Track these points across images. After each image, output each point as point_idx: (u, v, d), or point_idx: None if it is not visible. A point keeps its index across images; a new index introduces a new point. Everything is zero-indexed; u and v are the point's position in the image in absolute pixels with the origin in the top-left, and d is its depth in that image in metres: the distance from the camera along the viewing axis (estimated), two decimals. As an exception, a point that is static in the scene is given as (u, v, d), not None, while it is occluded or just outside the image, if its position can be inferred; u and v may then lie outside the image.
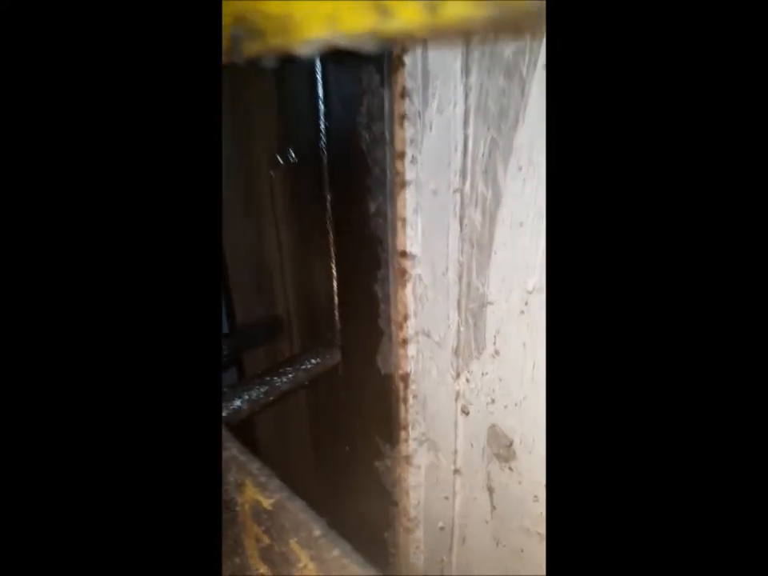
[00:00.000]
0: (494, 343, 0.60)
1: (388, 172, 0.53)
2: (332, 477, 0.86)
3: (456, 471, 0.73)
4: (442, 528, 0.80)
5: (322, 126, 0.55)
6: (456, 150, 0.54)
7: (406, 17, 0.25)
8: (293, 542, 0.44)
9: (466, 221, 0.57)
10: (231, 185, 0.71)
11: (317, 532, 0.42)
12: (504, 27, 0.48)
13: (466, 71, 0.50)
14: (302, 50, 0.39)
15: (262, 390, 0.67)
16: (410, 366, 0.71)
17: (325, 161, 0.56)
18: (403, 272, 0.65)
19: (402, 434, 0.75)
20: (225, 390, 0.65)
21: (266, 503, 0.46)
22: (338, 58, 0.49)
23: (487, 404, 0.64)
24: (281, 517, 0.45)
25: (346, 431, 0.78)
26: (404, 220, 0.61)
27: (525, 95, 0.46)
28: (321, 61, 0.53)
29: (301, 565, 0.44)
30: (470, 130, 0.52)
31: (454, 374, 0.67)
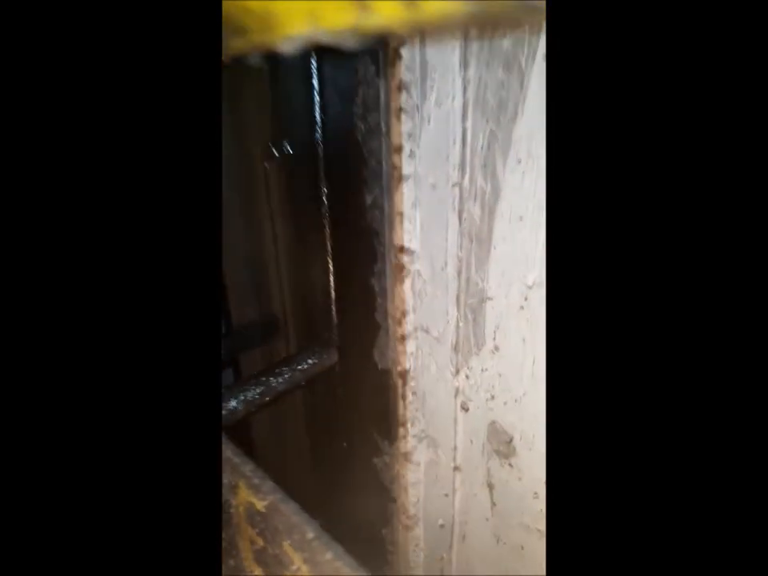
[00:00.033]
0: (494, 339, 0.59)
1: (384, 164, 0.52)
2: (329, 474, 0.86)
3: (456, 468, 0.73)
4: (441, 525, 0.79)
5: (318, 118, 0.54)
6: (455, 143, 0.54)
7: (386, 13, 0.25)
8: (286, 545, 0.45)
9: (465, 215, 0.56)
10: (225, 179, 0.71)
11: (310, 534, 0.42)
12: (483, 23, 0.48)
13: (465, 64, 0.50)
14: (285, 46, 0.39)
15: (258, 390, 0.67)
16: (408, 363, 0.71)
17: (320, 153, 0.55)
18: (402, 267, 0.64)
19: (401, 430, 0.74)
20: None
21: (260, 505, 0.46)
22: (333, 49, 0.48)
23: (487, 400, 0.63)
24: (274, 519, 0.45)
25: (344, 427, 0.78)
26: (402, 215, 0.61)
27: (524, 87, 0.46)
28: (316, 53, 0.52)
29: (294, 567, 0.44)
30: (469, 123, 0.52)
31: (453, 370, 0.66)
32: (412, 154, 0.58)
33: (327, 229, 0.60)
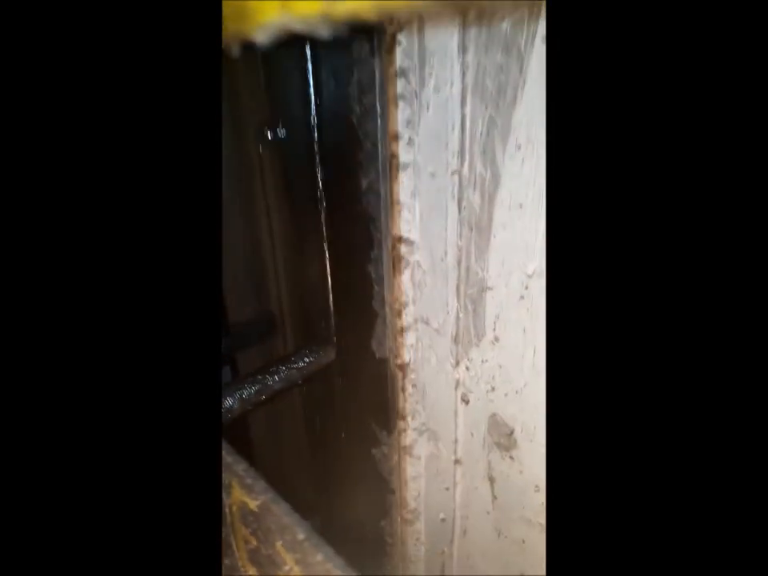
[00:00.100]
0: (494, 329, 0.59)
1: (380, 146, 0.52)
2: (328, 466, 0.85)
3: (456, 461, 0.72)
4: (442, 519, 0.79)
5: (312, 102, 0.53)
6: (453, 130, 0.53)
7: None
8: (279, 545, 0.45)
9: (464, 203, 0.55)
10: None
11: (301, 535, 0.42)
12: (451, 8, 0.47)
13: (463, 49, 0.49)
14: (259, 36, 0.39)
15: (255, 388, 0.66)
16: (408, 355, 0.70)
17: (315, 136, 0.55)
18: (401, 258, 0.64)
19: (401, 423, 0.74)
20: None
21: (252, 505, 0.46)
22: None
23: (487, 392, 0.63)
24: (267, 519, 0.45)
25: (342, 419, 0.77)
26: (401, 204, 0.60)
27: (523, 71, 0.45)
28: (310, 39, 0.52)
29: (287, 568, 0.45)
30: (468, 109, 0.51)
31: (453, 361, 0.65)
32: (410, 142, 0.57)
33: (323, 215, 0.59)
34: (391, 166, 0.58)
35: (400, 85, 0.55)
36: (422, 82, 0.54)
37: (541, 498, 0.63)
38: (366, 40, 0.48)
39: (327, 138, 0.56)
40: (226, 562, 0.54)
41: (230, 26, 0.43)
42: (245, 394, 0.66)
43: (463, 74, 0.50)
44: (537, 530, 0.64)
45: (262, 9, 0.31)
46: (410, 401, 0.73)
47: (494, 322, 0.58)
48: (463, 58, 0.49)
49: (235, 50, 0.48)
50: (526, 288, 0.53)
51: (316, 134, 0.55)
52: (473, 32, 0.48)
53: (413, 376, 0.71)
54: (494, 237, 0.54)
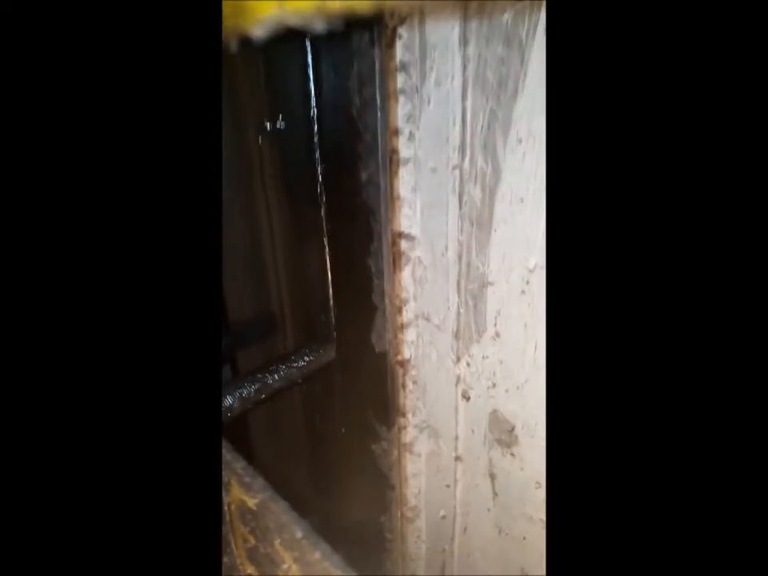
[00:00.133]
0: (495, 325, 0.58)
1: (379, 138, 0.51)
2: (328, 462, 0.85)
3: (457, 458, 0.72)
4: (443, 517, 0.78)
5: (312, 93, 0.53)
6: (454, 124, 0.53)
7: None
8: (277, 543, 0.45)
9: (465, 198, 0.55)
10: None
11: (299, 534, 0.42)
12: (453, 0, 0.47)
13: (464, 41, 0.49)
14: (257, 31, 0.38)
15: (255, 387, 0.66)
16: (409, 351, 0.70)
17: (315, 128, 0.54)
18: (401, 254, 0.63)
19: (402, 420, 0.74)
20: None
21: (251, 503, 0.46)
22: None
23: (488, 388, 0.62)
24: (265, 517, 0.45)
25: (341, 413, 0.77)
26: (402, 199, 0.60)
27: (524, 63, 0.45)
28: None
29: (285, 566, 0.45)
30: (469, 103, 0.51)
31: (454, 358, 0.65)
32: (411, 137, 0.57)
33: (323, 208, 0.59)
34: (392, 161, 0.57)
35: (401, 79, 0.54)
36: (423, 76, 0.53)
37: (542, 494, 0.62)
38: (365, 32, 0.48)
39: (327, 130, 0.56)
40: (224, 560, 0.54)
41: (229, 22, 0.43)
42: (245, 392, 0.66)
43: (464, 67, 0.50)
44: (538, 527, 0.64)
45: (259, 4, 0.31)
46: (410, 397, 0.73)
47: (495, 318, 0.58)
48: (464, 51, 0.49)
49: (233, 46, 0.48)
50: (527, 283, 0.53)
51: (316, 127, 0.55)
52: (474, 24, 0.47)
53: (413, 372, 0.71)
54: (495, 231, 0.54)
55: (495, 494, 0.68)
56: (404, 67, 0.54)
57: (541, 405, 0.58)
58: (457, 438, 0.70)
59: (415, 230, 0.62)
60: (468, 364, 0.64)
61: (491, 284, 0.57)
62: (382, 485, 0.75)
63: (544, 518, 0.64)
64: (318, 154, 0.56)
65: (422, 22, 0.51)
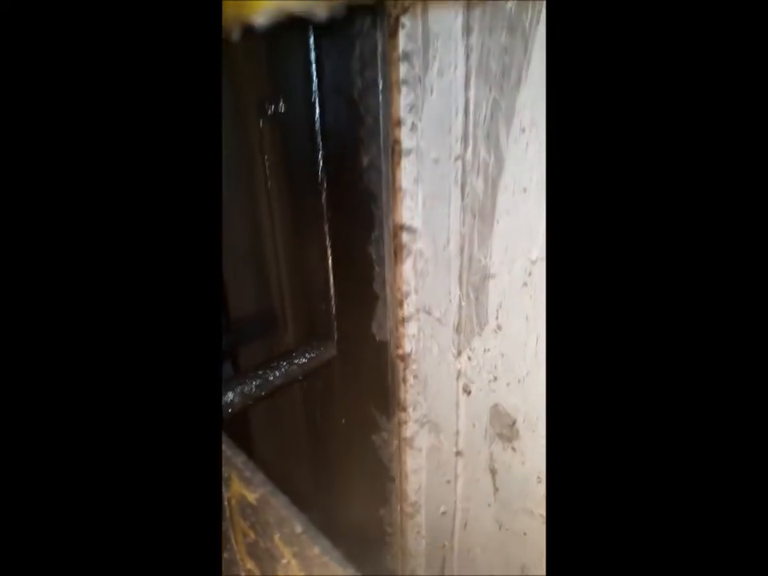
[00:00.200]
0: (497, 318, 0.58)
1: (381, 123, 0.51)
2: (327, 453, 0.84)
3: (458, 453, 0.71)
4: (443, 513, 0.78)
5: (314, 77, 0.53)
6: (457, 114, 0.52)
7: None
8: (277, 538, 0.45)
9: (467, 189, 0.55)
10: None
11: (298, 528, 0.42)
12: None
13: (467, 30, 0.48)
14: (259, 19, 0.38)
15: (256, 383, 0.66)
16: (410, 345, 0.69)
17: (316, 112, 0.54)
18: (403, 247, 0.63)
19: (403, 415, 0.73)
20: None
21: (251, 498, 0.46)
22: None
23: (489, 382, 0.62)
24: (265, 512, 0.45)
25: (341, 404, 0.76)
26: (404, 191, 0.60)
27: (528, 51, 0.44)
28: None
29: (284, 561, 0.45)
30: (472, 93, 0.50)
31: (455, 351, 0.65)
32: (413, 128, 0.56)
33: (324, 193, 0.58)
34: (394, 152, 0.57)
35: (403, 69, 0.54)
36: (426, 66, 0.53)
37: (543, 489, 0.62)
38: (367, 17, 0.48)
39: (328, 113, 0.55)
40: (224, 555, 0.54)
41: (230, 11, 0.42)
42: (246, 388, 0.66)
43: (467, 57, 0.50)
44: (538, 522, 0.64)
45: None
46: (411, 392, 0.72)
47: (497, 310, 0.58)
48: (467, 40, 0.49)
49: (236, 34, 0.48)
50: (529, 275, 0.53)
51: (317, 110, 0.54)
52: (477, 13, 0.47)
53: (414, 367, 0.71)
54: (498, 223, 0.53)
55: (496, 489, 0.68)
56: (407, 57, 0.53)
57: (542, 398, 0.57)
58: (458, 432, 0.70)
59: (417, 222, 0.62)
60: (469, 358, 0.64)
61: (493, 276, 0.56)
62: (382, 477, 0.75)
63: (544, 513, 0.63)
64: (319, 138, 0.55)
65: (424, 11, 0.51)
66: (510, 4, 0.44)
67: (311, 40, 0.52)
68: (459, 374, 0.66)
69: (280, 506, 0.44)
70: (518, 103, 0.47)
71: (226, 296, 0.92)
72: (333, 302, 0.67)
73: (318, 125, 0.55)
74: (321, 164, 0.57)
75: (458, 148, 0.54)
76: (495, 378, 0.61)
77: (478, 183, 0.53)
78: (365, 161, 0.54)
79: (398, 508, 0.78)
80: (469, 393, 0.66)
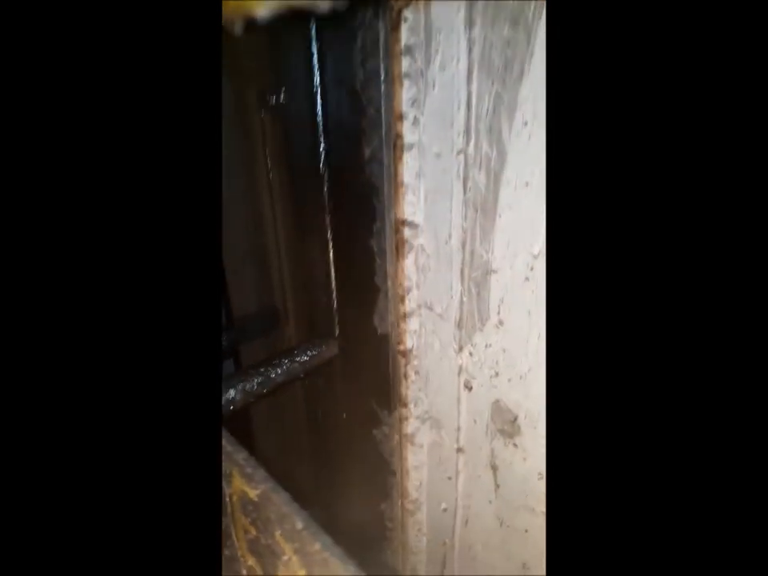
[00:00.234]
0: (498, 313, 0.58)
1: (383, 113, 0.51)
2: (328, 448, 0.84)
3: (459, 450, 0.71)
4: (444, 510, 0.78)
5: (316, 67, 0.53)
6: (459, 108, 0.52)
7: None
8: (278, 535, 0.44)
9: (469, 183, 0.55)
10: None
11: (299, 525, 0.42)
12: None
13: (470, 23, 0.48)
14: (261, 11, 0.38)
15: (257, 380, 0.67)
16: (411, 341, 0.69)
17: (318, 102, 0.54)
18: (405, 242, 0.63)
19: (404, 411, 0.73)
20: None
21: (252, 494, 0.46)
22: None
23: (491, 377, 0.62)
24: (266, 508, 0.45)
25: (343, 397, 0.76)
26: (406, 186, 0.60)
27: (530, 44, 0.44)
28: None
29: (285, 558, 0.44)
30: (474, 86, 0.50)
31: (456, 347, 0.65)
32: (416, 122, 0.56)
33: (325, 185, 0.58)
34: (396, 146, 0.57)
35: (405, 63, 0.54)
36: (428, 60, 0.53)
37: (544, 486, 0.62)
38: (369, 8, 0.48)
39: (330, 104, 0.55)
40: (225, 552, 0.54)
41: (233, 3, 0.42)
42: (247, 386, 0.66)
43: (470, 50, 0.49)
44: (540, 519, 0.63)
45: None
46: (412, 388, 0.72)
47: (499, 305, 0.57)
48: (470, 33, 0.49)
49: (238, 27, 0.47)
50: (532, 269, 0.52)
51: (319, 102, 0.54)
52: (479, 6, 0.47)
53: (415, 362, 0.71)
54: (500, 217, 0.53)
55: (497, 486, 0.67)
56: (409, 51, 0.53)
57: (544, 394, 0.57)
58: (459, 428, 0.70)
59: (419, 218, 0.61)
60: (470, 353, 0.63)
61: (495, 271, 0.56)
62: (383, 471, 0.75)
63: (545, 510, 0.63)
64: (320, 129, 0.55)
65: (426, 5, 0.51)
66: (512, -4, 0.44)
67: (313, 31, 0.52)
68: (460, 369, 0.66)
69: (281, 502, 0.44)
70: (520, 96, 0.47)
71: (228, 293, 0.92)
72: (334, 295, 0.67)
73: (319, 116, 0.54)
74: (322, 155, 0.56)
75: (460, 142, 0.54)
76: (497, 374, 0.61)
77: (480, 177, 0.53)
78: (366, 152, 0.54)
79: (399, 503, 0.78)
80: (470, 389, 0.66)
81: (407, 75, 0.54)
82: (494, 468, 0.67)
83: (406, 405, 0.73)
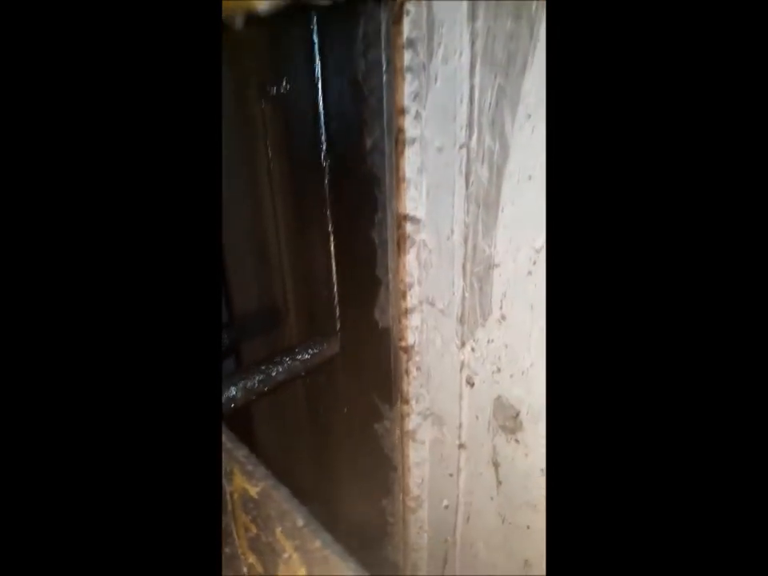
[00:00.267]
0: (501, 308, 0.58)
1: (385, 104, 0.51)
2: (329, 442, 0.84)
3: (461, 446, 0.71)
4: (446, 506, 0.78)
5: (317, 58, 0.53)
6: (462, 102, 0.52)
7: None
8: (278, 532, 0.44)
9: (472, 178, 0.54)
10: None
11: (300, 522, 0.42)
12: None
13: (473, 16, 0.48)
14: (262, 6, 0.38)
15: (258, 378, 0.67)
16: (413, 337, 0.69)
17: (320, 92, 0.54)
18: (406, 237, 0.63)
19: (405, 408, 0.73)
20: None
21: (253, 491, 0.46)
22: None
23: (493, 373, 0.62)
24: (267, 506, 0.45)
25: (344, 392, 0.76)
26: (407, 181, 0.59)
27: (533, 36, 0.44)
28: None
29: (286, 555, 0.44)
30: (477, 80, 0.50)
31: (458, 343, 0.64)
32: (418, 116, 0.56)
33: (327, 176, 0.58)
34: (398, 141, 0.57)
35: (408, 56, 0.54)
36: (431, 53, 0.53)
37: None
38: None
39: (332, 94, 0.55)
40: (226, 550, 0.54)
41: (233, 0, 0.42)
42: (248, 384, 0.66)
43: (472, 43, 0.49)
44: (541, 515, 0.63)
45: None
46: (414, 384, 0.72)
47: (501, 300, 0.57)
48: (473, 26, 0.48)
49: (239, 21, 0.47)
50: (534, 263, 0.52)
51: (320, 92, 0.54)
52: (482, -2, 0.47)
53: (417, 359, 0.70)
54: (502, 211, 0.53)
55: (499, 483, 0.67)
56: (411, 44, 0.53)
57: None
58: (461, 425, 0.69)
59: (420, 213, 0.61)
60: (473, 349, 0.63)
61: (497, 266, 0.56)
62: (384, 466, 0.75)
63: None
64: (322, 119, 0.55)
65: (429, -3, 0.51)
66: (515, -12, 0.44)
67: (314, 22, 0.51)
68: (462, 365, 0.65)
69: (281, 499, 0.44)
70: (523, 89, 0.47)
71: (229, 290, 0.92)
72: (335, 288, 0.67)
73: (321, 106, 0.54)
74: (324, 146, 0.56)
75: (462, 136, 0.53)
76: (499, 370, 0.61)
77: (482, 171, 0.53)
78: (368, 142, 0.54)
79: (401, 500, 0.78)
80: (472, 385, 0.65)
81: (409, 69, 0.54)
82: (496, 465, 0.66)
83: (407, 401, 0.73)
